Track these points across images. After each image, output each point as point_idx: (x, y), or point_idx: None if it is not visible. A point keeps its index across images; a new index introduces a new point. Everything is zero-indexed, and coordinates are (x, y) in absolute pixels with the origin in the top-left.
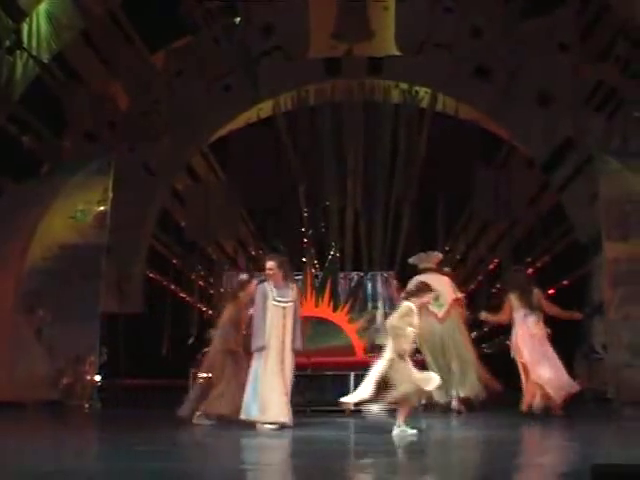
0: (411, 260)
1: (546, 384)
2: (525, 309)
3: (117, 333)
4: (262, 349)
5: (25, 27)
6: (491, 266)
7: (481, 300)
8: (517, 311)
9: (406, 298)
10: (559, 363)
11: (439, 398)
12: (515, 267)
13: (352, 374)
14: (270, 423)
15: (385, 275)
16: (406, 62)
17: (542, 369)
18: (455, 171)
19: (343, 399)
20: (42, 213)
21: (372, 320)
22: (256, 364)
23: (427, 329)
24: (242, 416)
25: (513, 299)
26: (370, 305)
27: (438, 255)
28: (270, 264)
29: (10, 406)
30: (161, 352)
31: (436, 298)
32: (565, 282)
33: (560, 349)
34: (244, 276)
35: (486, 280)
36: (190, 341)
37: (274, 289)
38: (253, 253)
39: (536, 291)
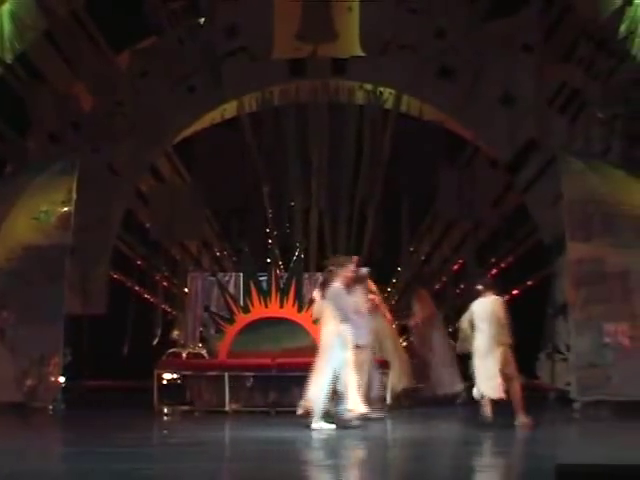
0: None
1: None
2: None
3: (81, 334)
4: None
5: None
6: (455, 266)
7: (446, 300)
8: None
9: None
10: None
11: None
12: None
13: None
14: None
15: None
16: (370, 63)
17: None
18: (419, 171)
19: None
20: (5, 214)
21: None
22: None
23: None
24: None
25: None
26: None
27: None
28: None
29: None
30: (125, 353)
31: None
32: (529, 283)
33: (523, 349)
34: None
35: (450, 280)
36: (154, 342)
37: None
38: (217, 254)
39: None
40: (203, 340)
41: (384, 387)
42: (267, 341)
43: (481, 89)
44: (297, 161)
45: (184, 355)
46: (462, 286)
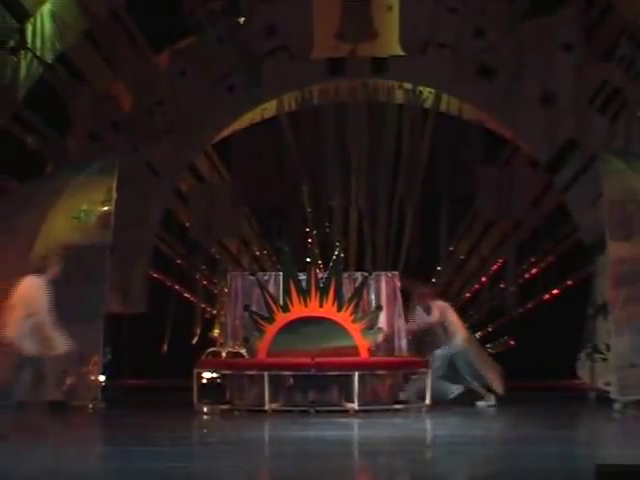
0: None
1: None
2: None
3: (121, 333)
4: None
5: (29, 27)
6: (495, 266)
7: (484, 301)
8: None
9: None
10: None
11: None
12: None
13: (356, 374)
14: None
15: (389, 275)
16: (410, 62)
17: None
18: (459, 171)
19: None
20: (46, 213)
21: (375, 320)
22: None
23: None
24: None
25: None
26: (374, 305)
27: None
28: None
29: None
30: (164, 352)
31: None
32: (569, 282)
33: (564, 349)
34: None
35: (490, 281)
36: (194, 341)
37: None
38: (257, 253)
39: None
40: (243, 339)
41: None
42: (306, 340)
43: (521, 88)
44: (336, 160)
45: (224, 354)
46: (502, 286)
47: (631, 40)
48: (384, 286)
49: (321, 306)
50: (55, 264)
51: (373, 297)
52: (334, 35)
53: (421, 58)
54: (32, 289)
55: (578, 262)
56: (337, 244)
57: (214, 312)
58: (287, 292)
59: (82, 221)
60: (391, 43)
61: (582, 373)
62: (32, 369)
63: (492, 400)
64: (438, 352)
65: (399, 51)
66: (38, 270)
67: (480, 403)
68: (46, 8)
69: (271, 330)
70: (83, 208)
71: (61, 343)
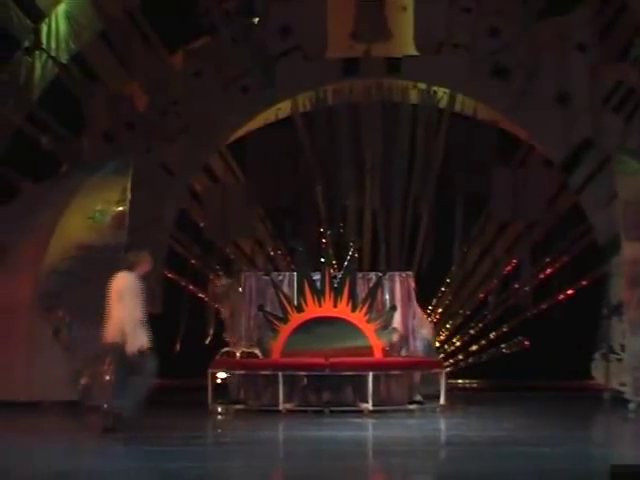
0: None
1: None
2: None
3: None
4: None
5: (44, 28)
6: (509, 267)
7: (497, 301)
8: None
9: None
10: None
11: None
12: None
13: (370, 374)
14: None
15: (403, 275)
16: (424, 62)
17: None
18: (473, 171)
19: None
20: (60, 213)
21: (389, 320)
22: None
23: None
24: None
25: None
26: (388, 305)
27: None
28: None
29: (28, 406)
30: (178, 352)
31: None
32: (584, 283)
33: (578, 349)
34: None
35: (504, 281)
36: (207, 341)
37: None
38: (271, 253)
39: None
40: (257, 339)
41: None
42: (320, 341)
43: (535, 88)
44: (350, 160)
45: (238, 354)
46: (516, 287)
47: None
48: (398, 286)
49: (335, 306)
50: (146, 261)
51: (387, 297)
52: (348, 35)
53: (435, 58)
54: (125, 285)
55: (593, 262)
56: (351, 244)
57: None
58: (301, 292)
59: (97, 221)
60: (405, 43)
61: (597, 373)
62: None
63: None
64: None
65: (413, 51)
66: (130, 266)
67: None
68: (61, 8)
69: (285, 330)
70: (98, 208)
71: (145, 340)
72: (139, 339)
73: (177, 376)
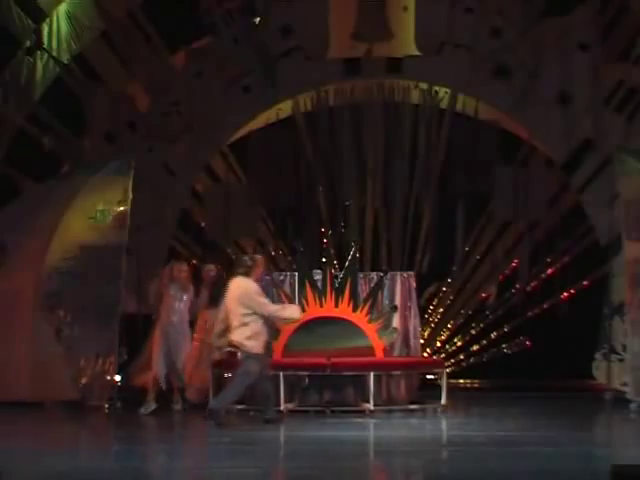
0: None
1: None
2: None
3: (136, 333)
4: None
5: (45, 28)
6: (510, 267)
7: (500, 301)
8: None
9: None
10: None
11: None
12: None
13: (371, 374)
14: None
15: (405, 275)
16: (426, 62)
17: None
18: (474, 171)
19: None
20: (62, 213)
21: (390, 320)
22: None
23: None
24: None
25: None
26: (388, 306)
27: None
28: None
29: (29, 405)
30: None
31: None
32: (585, 283)
33: (580, 349)
34: None
35: (505, 281)
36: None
37: None
38: (273, 253)
39: None
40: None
41: None
42: (322, 340)
43: (537, 88)
44: (352, 160)
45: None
46: (517, 286)
47: None
48: (399, 286)
49: (337, 306)
50: (261, 264)
51: (388, 297)
52: (350, 35)
53: (437, 58)
54: (245, 290)
55: (594, 262)
56: (353, 244)
57: None
58: (303, 292)
59: (98, 221)
60: (407, 43)
61: (598, 373)
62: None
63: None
64: None
65: (415, 51)
66: (246, 271)
67: None
68: (62, 8)
69: (287, 330)
70: (99, 208)
71: (258, 345)
72: (251, 344)
73: None
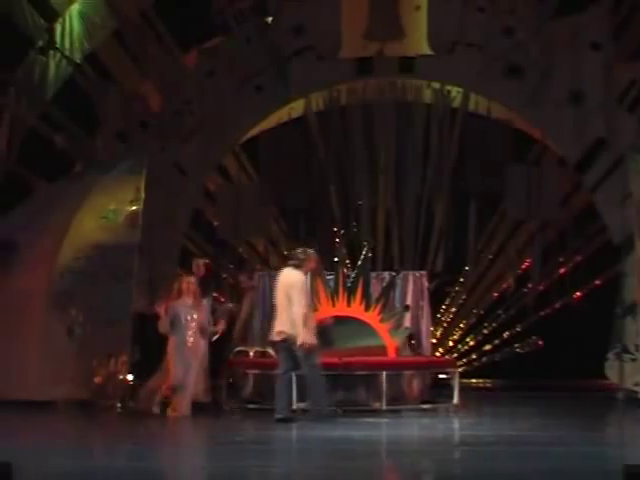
0: None
1: None
2: None
3: (149, 332)
4: None
5: (58, 27)
6: (523, 266)
7: (511, 300)
8: None
9: None
10: None
11: None
12: None
13: (384, 374)
14: None
15: (417, 275)
16: (438, 61)
17: None
18: (487, 171)
19: None
20: (74, 213)
21: (402, 320)
22: None
23: None
24: None
25: None
26: (400, 305)
27: None
28: None
29: (41, 405)
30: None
31: None
32: (597, 282)
33: (592, 349)
34: None
35: (518, 280)
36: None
37: None
38: (285, 252)
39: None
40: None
41: None
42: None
43: (549, 87)
44: (364, 160)
45: (251, 354)
46: (529, 286)
47: None
48: (411, 286)
49: (349, 306)
50: (313, 259)
51: (400, 297)
52: (362, 35)
53: (449, 57)
54: (292, 281)
55: (606, 262)
56: (365, 244)
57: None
58: (315, 291)
59: (110, 220)
60: (419, 42)
61: (610, 373)
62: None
63: None
64: None
65: (427, 50)
66: (297, 264)
67: None
68: (75, 8)
69: None
70: (111, 207)
71: (310, 336)
72: (305, 335)
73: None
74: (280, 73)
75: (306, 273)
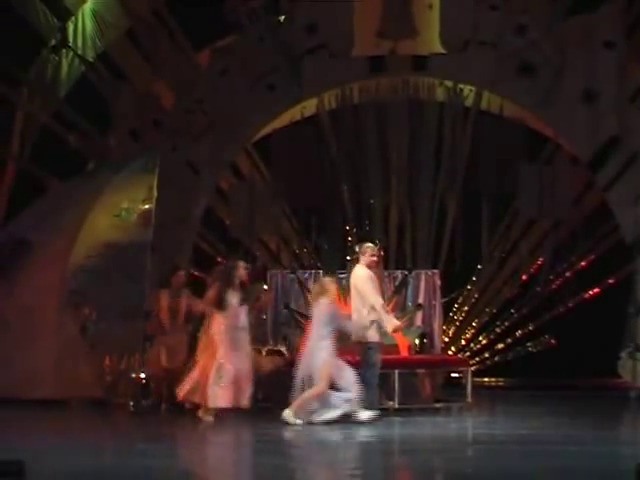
0: None
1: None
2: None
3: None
4: None
5: (71, 26)
6: (535, 265)
7: (524, 299)
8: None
9: None
10: None
11: None
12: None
13: (396, 372)
14: None
15: (429, 273)
16: (451, 60)
17: None
18: (499, 169)
19: None
20: (87, 211)
21: (414, 319)
22: None
23: None
24: None
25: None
26: (412, 304)
27: None
28: None
29: (54, 403)
30: None
31: None
32: (610, 281)
33: (605, 348)
34: None
35: (530, 279)
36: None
37: None
38: (297, 251)
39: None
40: (283, 337)
41: None
42: (346, 338)
43: (562, 86)
44: (377, 158)
45: (263, 352)
46: (542, 284)
47: None
48: (424, 284)
49: None
50: (365, 252)
51: (412, 295)
52: (375, 33)
53: (462, 56)
54: (358, 279)
55: (619, 261)
56: (377, 242)
57: None
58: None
59: (123, 219)
60: (432, 41)
61: (623, 372)
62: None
63: None
64: None
65: (440, 49)
66: (357, 259)
67: None
68: (87, 7)
69: None
70: (124, 206)
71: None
72: (368, 333)
73: None
74: (293, 72)
75: (368, 266)
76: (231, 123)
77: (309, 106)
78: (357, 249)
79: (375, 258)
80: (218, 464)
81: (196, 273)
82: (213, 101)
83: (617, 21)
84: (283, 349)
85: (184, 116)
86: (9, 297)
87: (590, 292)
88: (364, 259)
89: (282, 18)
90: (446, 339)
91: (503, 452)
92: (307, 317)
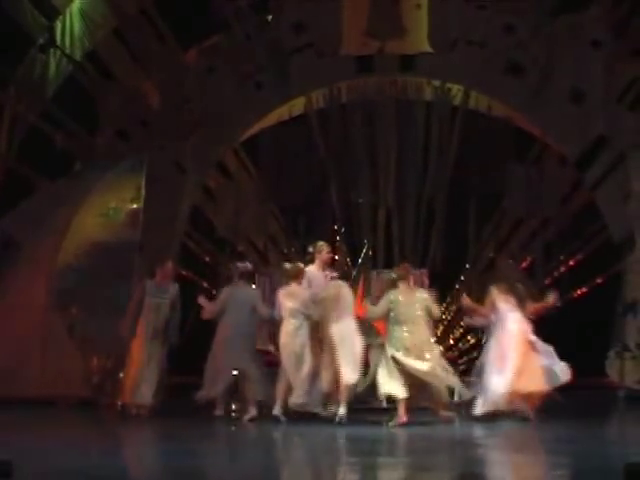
0: None
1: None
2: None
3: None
4: None
5: (58, 25)
6: (523, 265)
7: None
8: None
9: None
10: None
11: None
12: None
13: None
14: None
15: (418, 273)
16: (439, 59)
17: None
18: (487, 169)
19: None
20: (74, 211)
21: None
22: None
23: None
24: None
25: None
26: None
27: None
28: None
29: (41, 403)
30: (192, 348)
31: None
32: (598, 280)
33: (593, 347)
34: None
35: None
36: None
37: None
38: (284, 250)
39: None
40: (272, 336)
41: None
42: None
43: (550, 85)
44: (364, 158)
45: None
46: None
47: None
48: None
49: None
50: (327, 250)
51: None
52: (363, 32)
53: (450, 55)
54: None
55: (607, 260)
56: (365, 242)
57: None
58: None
59: (111, 219)
60: (420, 40)
61: (611, 371)
62: None
63: None
64: None
65: (428, 48)
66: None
67: None
68: (75, 6)
69: None
70: (112, 206)
71: None
72: None
73: (190, 373)
74: (280, 71)
75: (325, 264)
76: (218, 122)
77: (297, 105)
78: (311, 249)
79: (331, 255)
80: (218, 464)
81: (183, 272)
82: (201, 100)
83: (605, 20)
84: (270, 348)
85: (172, 115)
86: None
87: (578, 291)
88: (320, 257)
89: (270, 17)
90: (434, 338)
91: (487, 452)
92: None
